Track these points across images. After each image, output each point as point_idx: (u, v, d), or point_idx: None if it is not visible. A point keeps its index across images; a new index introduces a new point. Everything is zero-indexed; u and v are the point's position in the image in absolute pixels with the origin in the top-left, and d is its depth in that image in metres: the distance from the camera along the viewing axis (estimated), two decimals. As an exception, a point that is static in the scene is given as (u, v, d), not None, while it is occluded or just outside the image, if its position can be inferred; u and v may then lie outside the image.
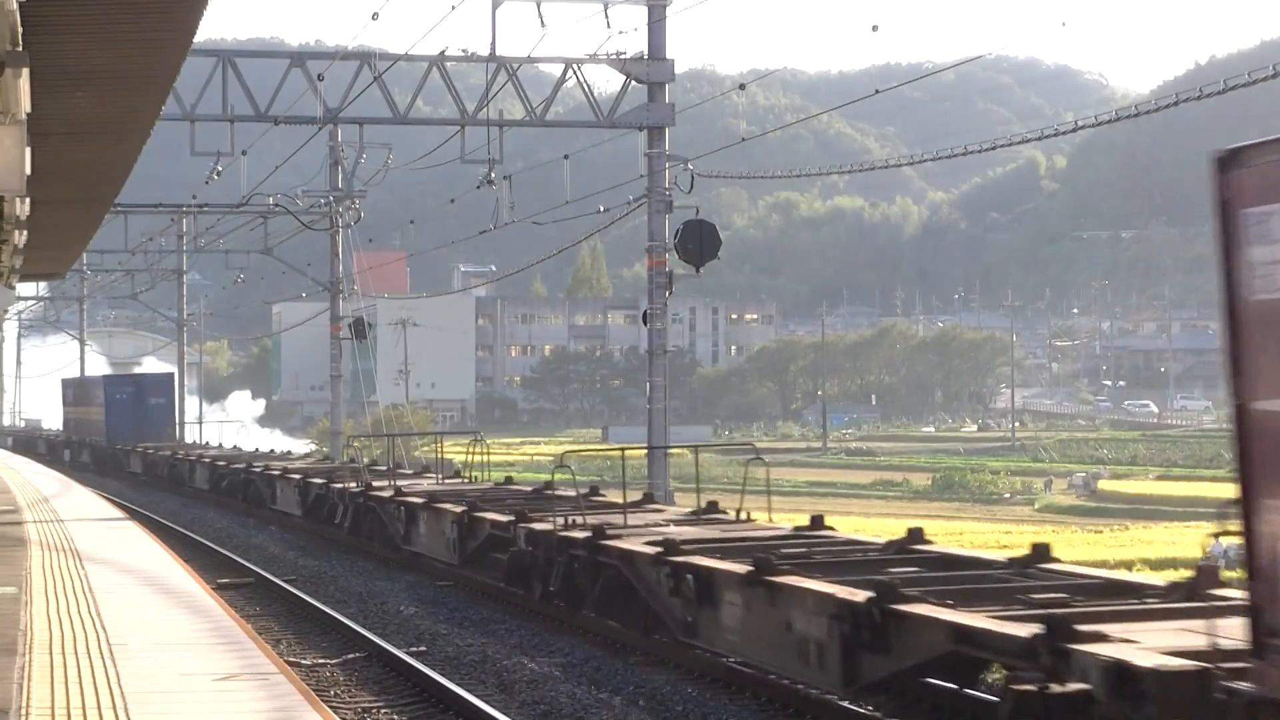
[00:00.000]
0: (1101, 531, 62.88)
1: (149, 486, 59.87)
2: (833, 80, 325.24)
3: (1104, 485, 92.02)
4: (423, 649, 19.96)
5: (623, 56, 33.75)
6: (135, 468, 65.29)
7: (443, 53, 34.80)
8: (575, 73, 34.58)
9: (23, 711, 11.03)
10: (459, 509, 26.26)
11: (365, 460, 38.32)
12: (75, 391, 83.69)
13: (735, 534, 20.28)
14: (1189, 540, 55.61)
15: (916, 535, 17.92)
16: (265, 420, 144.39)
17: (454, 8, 30.63)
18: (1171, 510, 76.50)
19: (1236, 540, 8.70)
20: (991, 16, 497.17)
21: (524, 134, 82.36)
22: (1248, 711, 9.00)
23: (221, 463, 50.59)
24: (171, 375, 75.58)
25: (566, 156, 38.66)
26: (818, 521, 20.37)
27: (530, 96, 35.17)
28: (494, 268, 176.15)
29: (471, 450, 33.51)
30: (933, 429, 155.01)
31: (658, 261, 34.65)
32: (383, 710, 16.34)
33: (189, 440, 79.06)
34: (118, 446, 68.60)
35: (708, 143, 51.75)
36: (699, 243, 33.46)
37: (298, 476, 39.57)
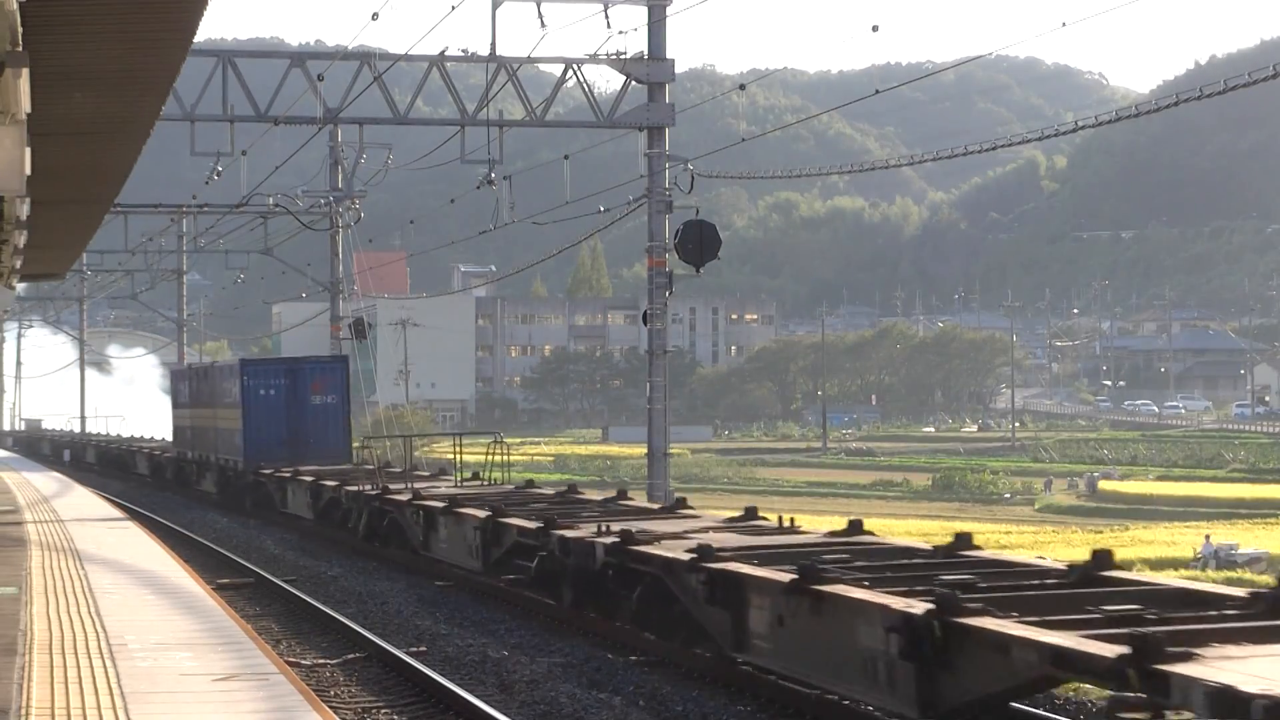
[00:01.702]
0: (1101, 532, 62.91)
1: (337, 552, 33.00)
2: (833, 80, 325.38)
3: (1104, 485, 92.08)
4: (423, 649, 19.96)
5: (623, 56, 33.76)
6: (297, 508, 38.90)
7: (443, 53, 34.80)
8: (575, 73, 34.58)
9: (23, 711, 11.03)
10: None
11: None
12: (194, 385, 54.25)
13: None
14: (1188, 540, 55.67)
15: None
16: None
17: (454, 8, 30.63)
18: (1171, 510, 76.59)
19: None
20: (991, 16, 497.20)
21: (524, 134, 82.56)
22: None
23: (516, 519, 23.66)
24: (345, 360, 47.73)
25: (566, 156, 38.70)
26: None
27: (530, 96, 35.18)
28: (494, 268, 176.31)
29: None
30: (933, 429, 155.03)
31: (658, 261, 34.66)
32: (383, 710, 16.33)
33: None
34: (262, 471, 43.01)
35: (708, 143, 51.86)
36: (699, 243, 33.47)
37: (783, 580, 15.46)
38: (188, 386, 56.10)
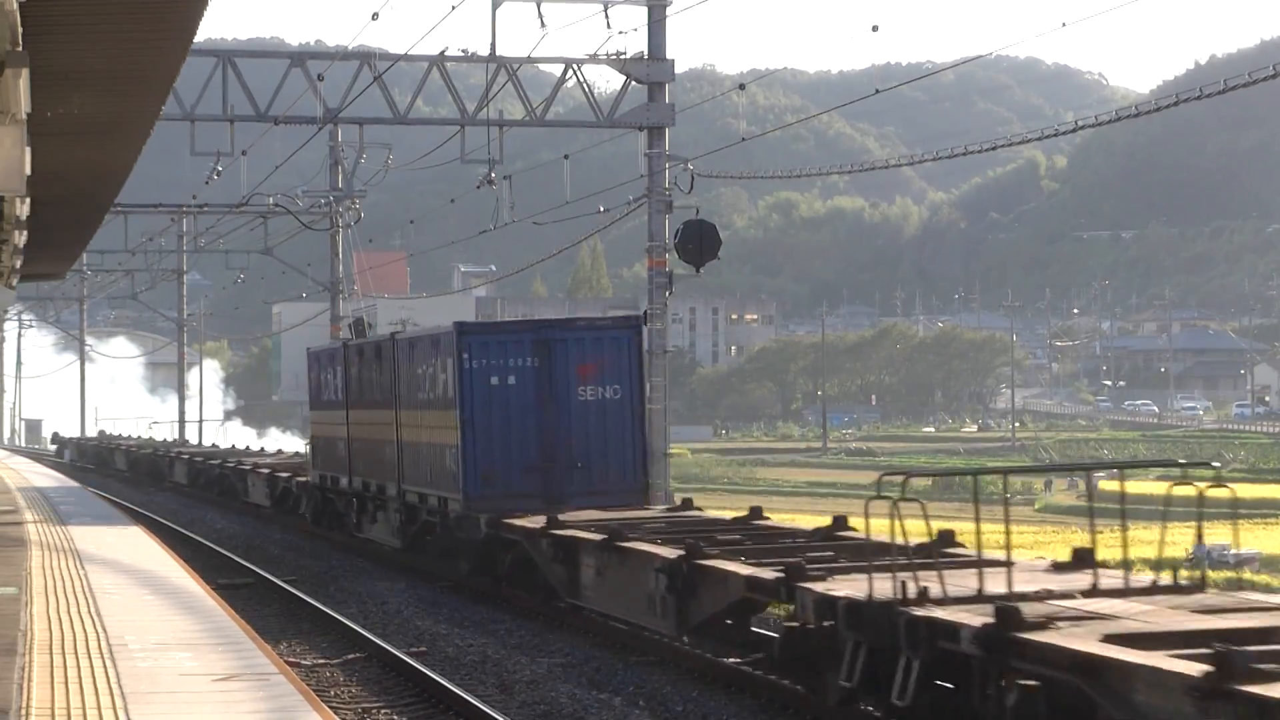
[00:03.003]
0: (1101, 532, 62.94)
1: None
2: (833, 80, 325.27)
3: (1104, 485, 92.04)
4: (423, 649, 19.97)
5: (623, 57, 33.75)
6: (624, 607, 20.36)
7: (443, 53, 34.79)
8: (575, 73, 34.58)
9: (23, 711, 11.02)
10: None
11: None
12: (357, 372, 33.99)
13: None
14: (1188, 541, 55.70)
15: None
16: (246, 416, 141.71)
17: (454, 8, 30.64)
18: (1171, 511, 76.62)
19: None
20: (991, 16, 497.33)
21: (524, 134, 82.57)
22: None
23: None
24: (637, 324, 28.16)
25: (566, 156, 38.71)
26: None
27: (530, 96, 35.17)
28: (494, 268, 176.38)
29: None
30: (933, 429, 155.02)
31: (658, 261, 34.65)
32: (383, 710, 16.34)
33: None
34: (511, 522, 24.38)
35: (708, 143, 51.80)
36: (699, 243, 33.46)
37: None
38: (342, 374, 34.66)
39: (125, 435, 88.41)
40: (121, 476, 66.17)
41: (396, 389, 30.09)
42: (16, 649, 13.42)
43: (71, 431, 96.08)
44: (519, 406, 26.31)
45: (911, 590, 13.26)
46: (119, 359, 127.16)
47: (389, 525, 31.28)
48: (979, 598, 13.17)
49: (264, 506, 43.59)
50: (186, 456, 58.42)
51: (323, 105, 34.71)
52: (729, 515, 25.07)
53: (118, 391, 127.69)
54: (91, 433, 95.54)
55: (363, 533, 33.50)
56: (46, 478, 48.42)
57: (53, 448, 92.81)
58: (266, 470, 43.75)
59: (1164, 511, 14.57)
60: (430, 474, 28.13)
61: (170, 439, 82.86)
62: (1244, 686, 9.83)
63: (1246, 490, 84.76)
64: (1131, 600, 13.62)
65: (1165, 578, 14.67)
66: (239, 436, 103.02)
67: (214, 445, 71.79)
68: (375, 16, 30.85)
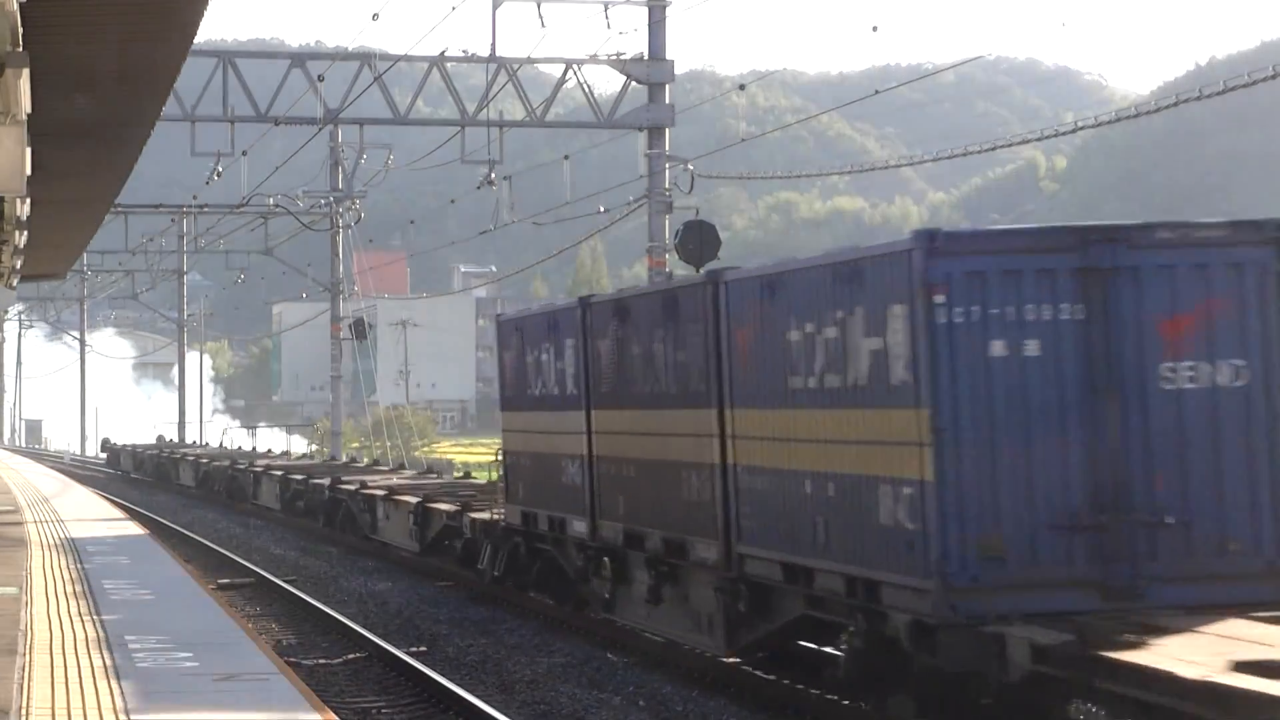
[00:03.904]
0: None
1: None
2: (833, 81, 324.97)
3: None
4: (423, 649, 19.97)
5: (623, 57, 33.75)
6: None
7: (443, 53, 34.79)
8: (575, 73, 34.58)
9: (23, 711, 11.03)
10: None
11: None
12: (613, 346, 19.66)
13: None
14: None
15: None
16: (245, 416, 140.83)
17: (454, 8, 30.69)
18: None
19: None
20: (991, 17, 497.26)
21: (524, 134, 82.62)
22: None
23: None
24: (1277, 228, 13.99)
25: (566, 157, 38.75)
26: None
27: (530, 97, 35.16)
28: (494, 268, 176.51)
29: None
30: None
31: (658, 262, 34.64)
32: (383, 710, 16.34)
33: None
34: (1143, 664, 11.17)
35: (708, 143, 51.81)
36: (699, 243, 33.43)
37: None
38: (575, 352, 21.18)
39: (193, 443, 75.71)
40: (189, 494, 54.62)
41: (722, 372, 16.68)
42: (17, 649, 13.44)
43: (72, 434, 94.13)
44: (1046, 401, 13.35)
45: None
46: (115, 359, 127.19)
47: (693, 613, 18.04)
48: None
49: (404, 549, 30.93)
50: (279, 473, 44.69)
51: (323, 106, 34.71)
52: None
53: (108, 389, 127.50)
54: (94, 433, 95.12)
55: (616, 612, 20.50)
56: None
57: (103, 456, 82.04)
58: (414, 500, 30.19)
59: None
60: (823, 532, 14.70)
61: (250, 449, 69.90)
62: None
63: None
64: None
65: None
66: (231, 434, 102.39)
67: (304, 456, 62.44)
68: (375, 17, 30.91)
